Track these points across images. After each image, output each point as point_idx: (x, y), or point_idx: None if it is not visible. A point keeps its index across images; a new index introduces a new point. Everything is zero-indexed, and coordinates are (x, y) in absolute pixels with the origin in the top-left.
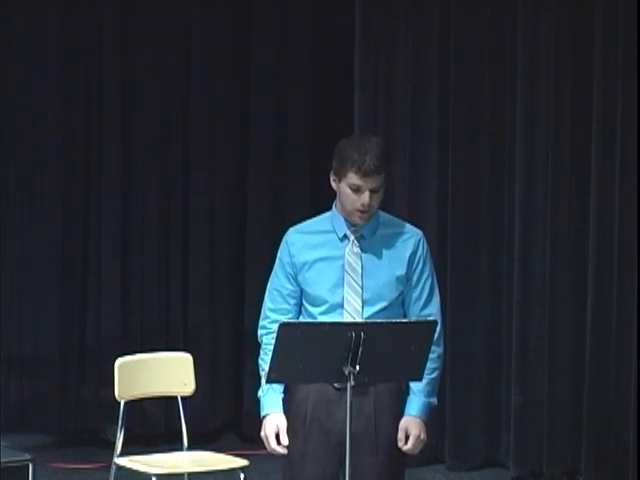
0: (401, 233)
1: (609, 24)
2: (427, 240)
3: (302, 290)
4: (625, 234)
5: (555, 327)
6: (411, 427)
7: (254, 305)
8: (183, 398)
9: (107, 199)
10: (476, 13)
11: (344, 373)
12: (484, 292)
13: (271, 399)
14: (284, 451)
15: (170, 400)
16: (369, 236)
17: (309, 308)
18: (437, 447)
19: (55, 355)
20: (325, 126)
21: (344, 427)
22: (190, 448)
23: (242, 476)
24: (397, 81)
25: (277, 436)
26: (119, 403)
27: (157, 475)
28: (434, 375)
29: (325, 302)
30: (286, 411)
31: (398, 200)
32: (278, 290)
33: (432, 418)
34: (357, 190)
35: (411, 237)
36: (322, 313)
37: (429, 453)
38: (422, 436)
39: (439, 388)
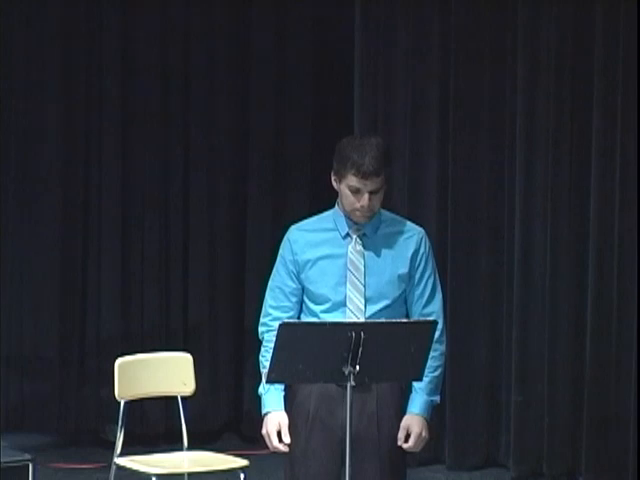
0: (403, 231)
1: (609, 24)
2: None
3: (304, 288)
4: (625, 234)
5: (555, 327)
6: (413, 425)
7: (254, 305)
8: (183, 398)
9: (107, 199)
10: (476, 13)
11: (344, 373)
12: (484, 292)
13: (272, 397)
14: (286, 449)
15: (170, 400)
16: (371, 234)
17: (311, 306)
18: (437, 447)
19: (55, 355)
20: (325, 126)
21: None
22: (190, 448)
23: (242, 476)
24: (397, 81)
25: (279, 434)
26: (119, 403)
27: (157, 475)
28: (437, 373)
29: (328, 300)
30: (288, 409)
31: (398, 200)
32: (280, 287)
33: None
34: (356, 192)
35: (413, 235)
36: (324, 311)
37: (429, 453)
38: (424, 434)
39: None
